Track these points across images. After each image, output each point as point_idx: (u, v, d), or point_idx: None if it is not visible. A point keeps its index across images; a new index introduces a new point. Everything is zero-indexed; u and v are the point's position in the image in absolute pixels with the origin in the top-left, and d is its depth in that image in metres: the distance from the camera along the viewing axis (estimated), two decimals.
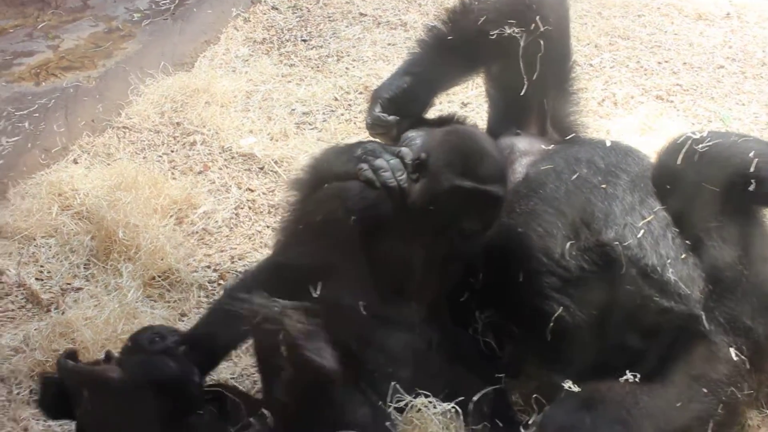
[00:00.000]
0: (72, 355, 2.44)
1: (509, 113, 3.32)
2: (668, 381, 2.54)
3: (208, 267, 3.38)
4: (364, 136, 3.90)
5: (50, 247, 3.44)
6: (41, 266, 3.38)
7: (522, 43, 3.08)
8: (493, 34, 3.11)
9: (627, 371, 2.53)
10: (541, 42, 3.09)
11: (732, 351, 2.54)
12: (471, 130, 2.92)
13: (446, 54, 3.33)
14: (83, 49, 4.59)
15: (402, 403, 2.54)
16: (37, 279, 3.33)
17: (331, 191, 2.70)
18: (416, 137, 3.32)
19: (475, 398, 2.59)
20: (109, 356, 2.49)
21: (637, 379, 2.52)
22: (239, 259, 3.41)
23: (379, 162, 2.76)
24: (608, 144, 3.06)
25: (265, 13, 5.18)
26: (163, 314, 3.11)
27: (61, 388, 2.45)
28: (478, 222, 2.70)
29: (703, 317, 2.56)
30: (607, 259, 2.64)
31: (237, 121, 4.15)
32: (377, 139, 3.65)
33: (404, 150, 2.83)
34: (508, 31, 3.09)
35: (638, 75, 4.52)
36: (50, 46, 4.62)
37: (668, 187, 2.72)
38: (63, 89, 4.22)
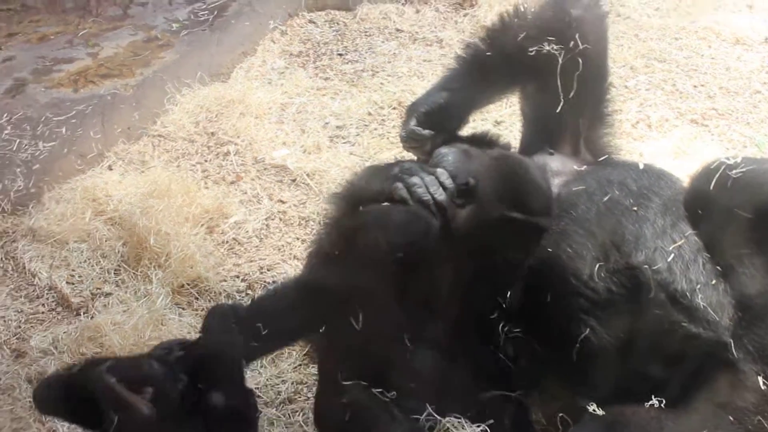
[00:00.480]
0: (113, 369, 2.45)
1: (543, 132, 3.31)
2: (694, 408, 2.50)
3: (237, 276, 3.40)
4: (397, 151, 3.93)
5: (82, 251, 3.48)
6: (73, 270, 3.42)
7: (560, 61, 3.08)
8: (532, 51, 3.12)
9: (652, 396, 2.50)
10: (580, 60, 3.09)
11: (760, 380, 2.49)
12: (521, 159, 2.91)
13: (484, 71, 3.34)
14: (122, 57, 4.64)
15: (430, 424, 2.54)
16: (68, 283, 3.37)
17: (368, 213, 2.70)
18: (448, 153, 3.32)
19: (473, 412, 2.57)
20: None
21: (662, 405, 2.49)
22: (268, 270, 3.42)
23: (414, 179, 2.76)
24: (641, 166, 3.04)
25: (302, 27, 5.22)
26: (191, 322, 3.14)
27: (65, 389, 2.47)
28: (522, 251, 2.70)
29: (732, 345, 2.52)
30: (636, 283, 2.61)
31: (271, 133, 4.18)
32: (410, 153, 3.69)
33: (439, 170, 2.83)
34: (547, 48, 3.09)
35: (673, 98, 4.49)
36: (90, 53, 4.68)
37: (700, 212, 2.69)
38: (100, 96, 4.27)
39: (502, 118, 4.24)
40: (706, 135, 4.22)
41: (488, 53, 3.27)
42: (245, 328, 2.51)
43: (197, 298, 3.27)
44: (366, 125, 4.32)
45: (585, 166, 3.16)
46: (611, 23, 5.02)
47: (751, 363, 2.52)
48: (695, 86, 4.61)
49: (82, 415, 2.46)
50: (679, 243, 2.61)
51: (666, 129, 4.25)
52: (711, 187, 2.65)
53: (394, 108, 4.39)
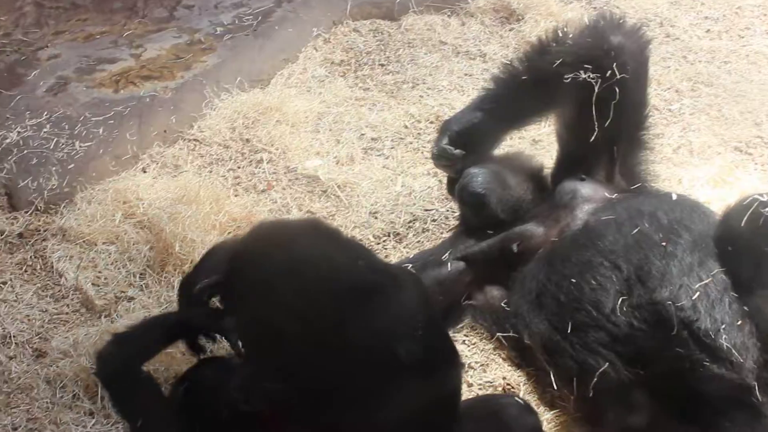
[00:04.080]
0: None
1: (577, 157, 3.28)
2: None
3: None
4: (430, 166, 3.90)
5: (110, 254, 3.49)
6: (99, 272, 3.43)
7: (596, 90, 3.04)
8: (568, 78, 3.08)
9: None
10: (617, 89, 3.05)
11: None
12: None
13: (519, 93, 3.33)
14: (164, 60, 4.66)
15: None
16: (93, 284, 3.38)
17: None
18: (477, 174, 3.30)
19: None
20: None
21: None
22: None
23: None
24: (674, 197, 2.99)
25: (346, 35, 5.18)
26: None
27: None
28: None
29: (756, 388, 2.46)
30: (658, 319, 2.56)
31: (305, 142, 4.16)
32: (441, 170, 3.66)
33: None
34: (584, 76, 3.06)
35: (718, 124, 4.37)
36: (133, 54, 4.70)
37: (730, 249, 2.62)
38: (140, 98, 4.29)
39: (541, 137, 4.17)
40: (749, 164, 4.10)
41: (524, 76, 3.25)
42: None
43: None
44: (401, 138, 4.28)
45: (616, 194, 3.11)
46: (658, 44, 4.96)
47: None
48: (741, 113, 4.48)
49: None
50: (705, 281, 2.55)
51: (708, 156, 4.14)
52: (742, 224, 2.58)
53: (431, 122, 4.33)
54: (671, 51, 5.04)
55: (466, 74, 4.84)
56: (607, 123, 3.09)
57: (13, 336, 3.19)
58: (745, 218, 2.57)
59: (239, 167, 4.02)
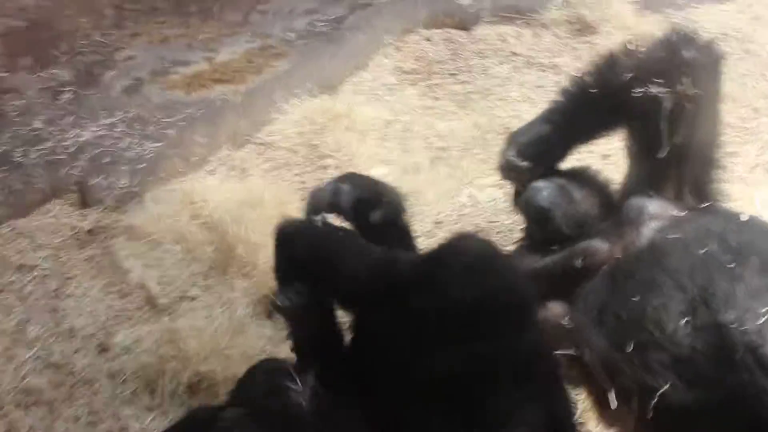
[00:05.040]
0: None
1: (646, 173, 3.21)
2: None
3: None
4: (497, 177, 3.85)
5: (175, 253, 3.54)
6: (164, 271, 3.49)
7: (667, 105, 2.97)
8: (638, 92, 3.03)
9: None
10: (688, 105, 2.98)
11: None
12: None
13: (588, 106, 3.27)
14: (236, 64, 4.72)
15: None
16: (158, 283, 3.44)
17: None
18: (543, 189, 3.26)
19: None
20: None
21: None
22: None
23: None
24: (745, 218, 2.91)
25: (417, 44, 5.19)
26: (269, 333, 3.15)
27: None
28: None
29: None
30: (722, 342, 2.49)
31: (372, 150, 4.17)
32: (508, 182, 3.62)
33: None
34: (654, 91, 3.00)
35: None
36: (206, 57, 4.77)
37: None
38: (211, 101, 4.36)
39: (610, 152, 4.11)
40: None
41: (593, 89, 3.20)
42: None
43: None
44: (469, 149, 4.27)
45: (685, 213, 3.04)
46: (737, 60, 4.86)
47: None
48: None
49: None
50: None
51: None
52: None
53: (500, 133, 4.29)
54: (749, 68, 4.93)
55: (537, 86, 4.81)
56: (678, 139, 3.03)
57: (79, 330, 3.27)
58: None
59: (305, 172, 4.06)
